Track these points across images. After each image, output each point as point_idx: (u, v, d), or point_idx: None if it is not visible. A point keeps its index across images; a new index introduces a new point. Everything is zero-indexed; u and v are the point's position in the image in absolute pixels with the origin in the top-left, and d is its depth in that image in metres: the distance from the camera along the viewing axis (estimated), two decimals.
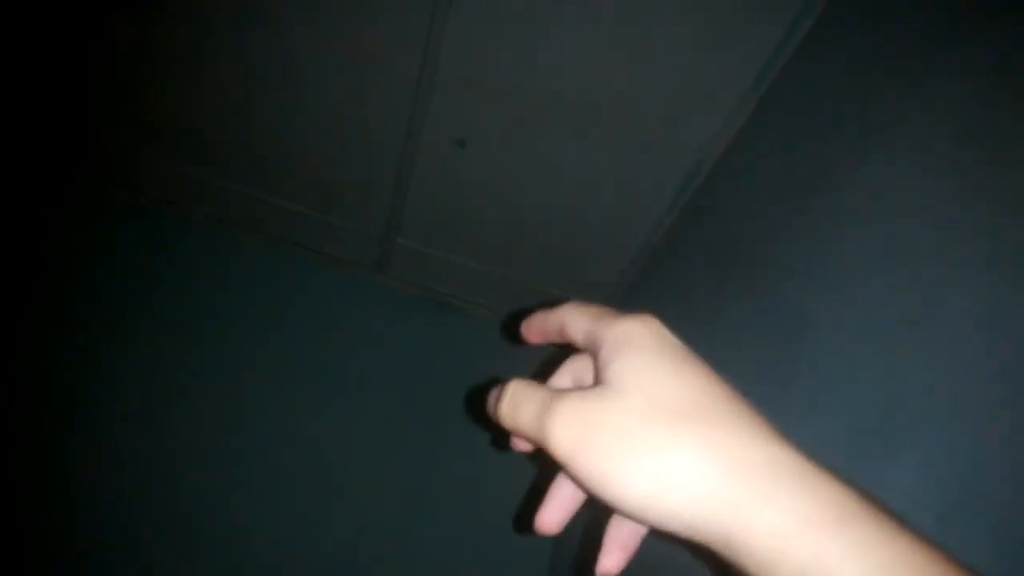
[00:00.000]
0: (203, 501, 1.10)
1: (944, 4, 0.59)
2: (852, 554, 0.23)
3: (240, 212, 1.32)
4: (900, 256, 0.52)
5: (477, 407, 0.30)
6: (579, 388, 0.29)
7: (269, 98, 1.10)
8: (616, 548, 0.32)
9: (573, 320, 0.32)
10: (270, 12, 0.97)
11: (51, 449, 1.09)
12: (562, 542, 1.17)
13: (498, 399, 0.32)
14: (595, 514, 0.32)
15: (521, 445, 0.34)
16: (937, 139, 0.53)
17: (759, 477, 0.25)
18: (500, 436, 0.33)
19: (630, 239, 1.12)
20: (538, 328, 0.35)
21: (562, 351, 0.35)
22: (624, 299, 1.21)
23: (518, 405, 0.30)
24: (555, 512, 0.33)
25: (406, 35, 0.95)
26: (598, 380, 0.29)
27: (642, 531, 0.32)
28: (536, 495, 0.35)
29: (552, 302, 0.35)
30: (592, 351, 0.31)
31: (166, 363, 1.20)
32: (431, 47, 0.95)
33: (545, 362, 0.36)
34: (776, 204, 0.76)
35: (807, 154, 0.73)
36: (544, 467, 0.32)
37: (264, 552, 1.09)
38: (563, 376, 0.34)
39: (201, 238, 1.33)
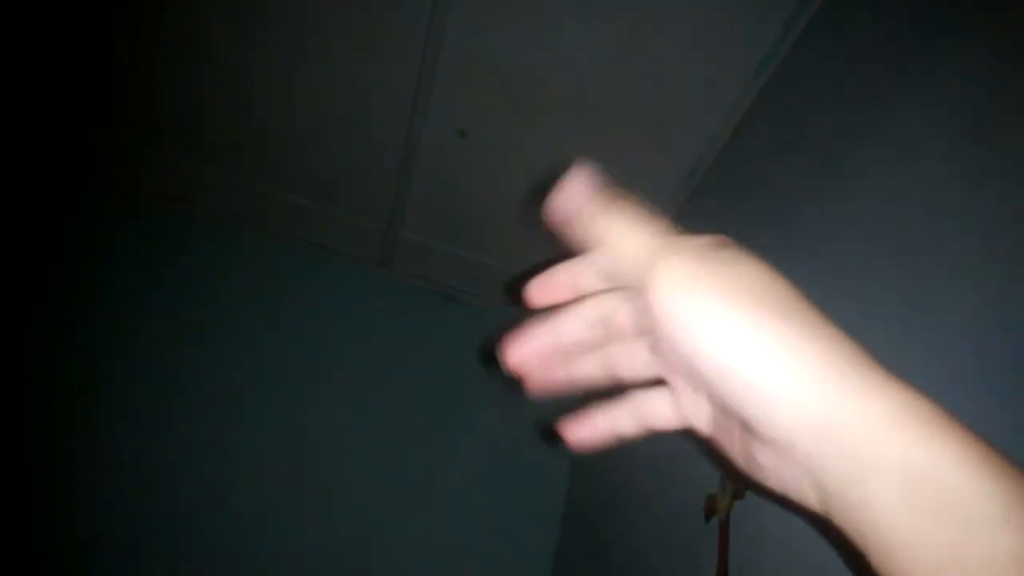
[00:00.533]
0: (207, 494, 1.11)
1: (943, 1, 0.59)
2: (941, 454, 0.23)
3: (242, 207, 1.31)
4: (899, 250, 0.52)
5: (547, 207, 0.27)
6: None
7: (270, 93, 1.10)
8: (595, 426, 0.32)
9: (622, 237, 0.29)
10: (271, 7, 0.97)
11: (54, 445, 1.09)
12: (564, 540, 1.17)
13: (592, 211, 0.30)
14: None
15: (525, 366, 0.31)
16: (936, 134, 0.53)
17: (851, 379, 0.24)
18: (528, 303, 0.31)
19: None
20: (565, 282, 0.32)
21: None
22: None
23: (631, 228, 0.28)
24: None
25: (407, 28, 0.94)
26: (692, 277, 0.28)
27: (634, 428, 0.31)
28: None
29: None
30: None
31: (169, 358, 1.20)
32: (432, 40, 0.94)
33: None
34: (775, 199, 0.76)
35: (806, 150, 0.73)
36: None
37: (268, 543, 1.10)
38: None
39: (203, 233, 1.32)
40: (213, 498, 1.11)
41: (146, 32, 1.06)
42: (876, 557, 0.24)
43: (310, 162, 1.21)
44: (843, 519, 0.24)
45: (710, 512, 0.71)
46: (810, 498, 0.25)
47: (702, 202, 1.01)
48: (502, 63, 0.96)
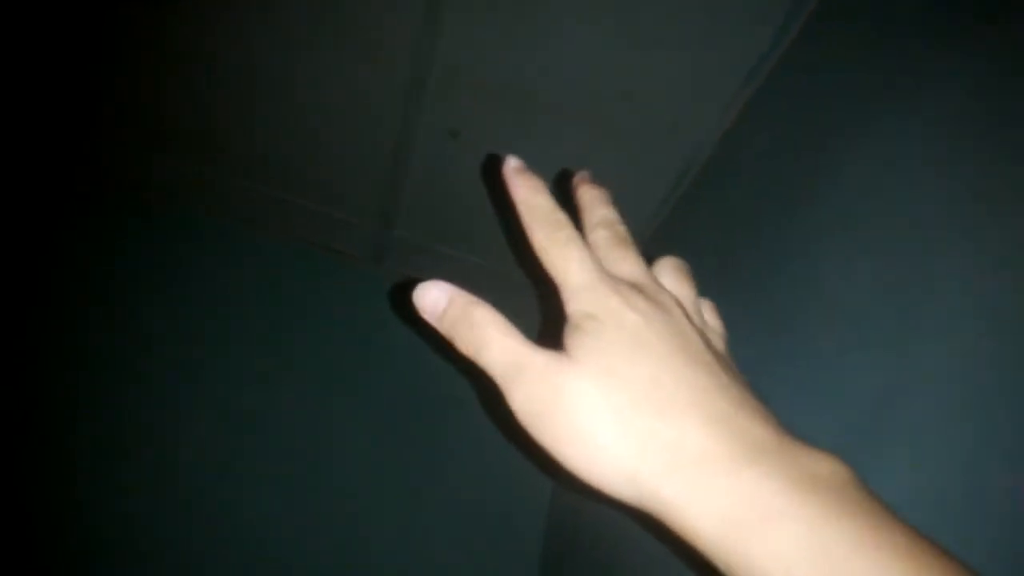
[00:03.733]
0: (206, 497, 1.11)
1: (944, 3, 0.59)
2: (770, 555, 0.22)
3: (234, 206, 1.31)
4: (894, 254, 0.52)
5: (409, 305, 0.38)
6: (544, 350, 0.30)
7: (265, 93, 1.10)
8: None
9: (549, 254, 0.32)
10: (268, 8, 0.97)
11: (55, 449, 1.09)
12: (552, 541, 1.17)
13: (451, 317, 0.33)
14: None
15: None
16: (933, 138, 0.53)
17: (688, 472, 0.25)
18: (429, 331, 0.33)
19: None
20: (531, 206, 0.35)
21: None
22: None
23: (485, 345, 0.31)
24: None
25: (399, 23, 0.94)
26: (562, 342, 0.30)
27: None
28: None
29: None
30: (561, 300, 0.31)
31: (166, 360, 1.20)
32: (425, 36, 0.94)
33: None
34: (768, 202, 0.76)
35: (800, 152, 0.73)
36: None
37: (269, 545, 1.10)
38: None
39: (197, 233, 1.32)
40: (207, 498, 1.11)
41: (147, 35, 1.05)
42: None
43: (304, 161, 1.21)
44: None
45: None
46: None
47: (693, 204, 1.01)
48: (495, 64, 0.96)
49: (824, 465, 0.26)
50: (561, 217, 0.35)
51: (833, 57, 0.74)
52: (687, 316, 0.32)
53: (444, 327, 0.33)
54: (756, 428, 0.26)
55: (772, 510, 0.23)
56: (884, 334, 0.49)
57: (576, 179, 0.41)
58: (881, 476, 0.43)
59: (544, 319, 1.17)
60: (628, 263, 0.35)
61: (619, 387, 0.27)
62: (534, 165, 1.11)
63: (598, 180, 0.41)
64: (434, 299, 0.34)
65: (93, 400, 1.13)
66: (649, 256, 0.41)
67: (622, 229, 0.39)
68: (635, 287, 0.31)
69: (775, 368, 0.59)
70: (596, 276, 0.31)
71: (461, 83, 0.99)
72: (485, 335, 0.31)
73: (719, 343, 0.36)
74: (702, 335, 0.31)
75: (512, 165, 0.37)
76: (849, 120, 0.65)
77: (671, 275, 0.38)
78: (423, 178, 1.17)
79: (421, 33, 0.94)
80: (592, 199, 0.39)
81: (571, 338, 0.29)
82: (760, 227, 0.76)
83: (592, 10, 0.87)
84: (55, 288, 1.21)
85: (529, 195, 0.35)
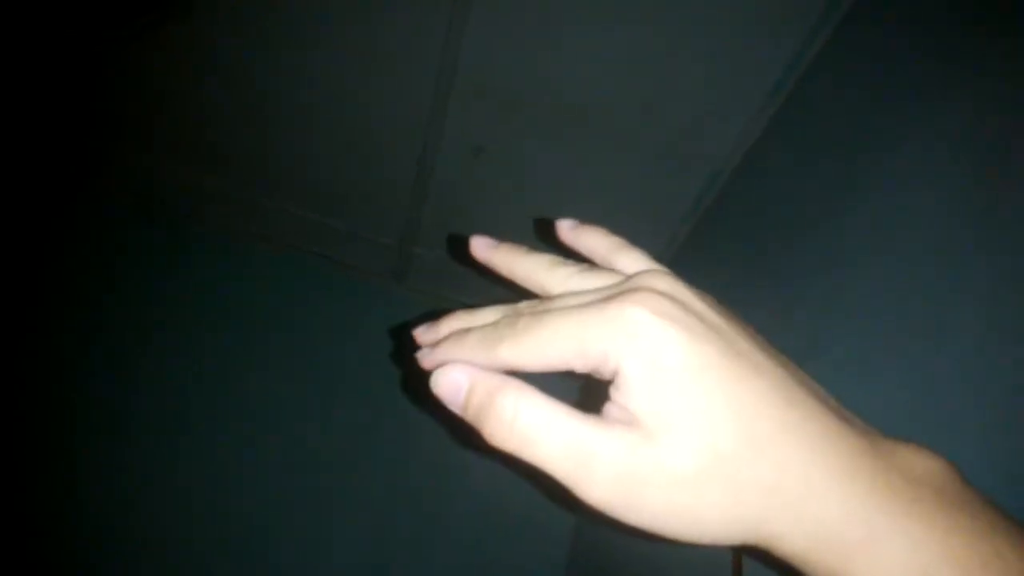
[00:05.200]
0: (216, 511, 1.11)
1: (966, 19, 0.59)
2: None
3: (256, 221, 1.33)
4: (915, 273, 0.51)
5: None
6: (610, 423, 0.25)
7: (285, 107, 1.12)
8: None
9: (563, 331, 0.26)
10: (287, 23, 0.99)
11: (56, 458, 1.10)
12: (579, 549, 1.16)
13: (479, 403, 0.26)
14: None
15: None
16: (957, 155, 0.52)
17: (790, 502, 0.23)
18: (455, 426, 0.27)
19: (645, 249, 1.11)
20: (505, 262, 0.31)
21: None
22: None
23: (535, 439, 0.25)
24: None
25: (423, 42, 0.95)
26: (625, 407, 0.25)
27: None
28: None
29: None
30: (598, 357, 0.25)
31: (180, 373, 1.21)
32: (448, 54, 0.95)
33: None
34: (791, 218, 0.76)
35: (823, 168, 0.73)
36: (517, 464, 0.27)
37: (276, 558, 1.10)
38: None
39: (217, 248, 1.34)
40: (217, 511, 1.11)
41: (162, 47, 1.07)
42: None
43: (326, 177, 1.22)
44: None
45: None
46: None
47: (717, 220, 1.01)
48: (518, 80, 0.96)
49: (920, 463, 0.24)
50: (553, 259, 0.32)
51: (858, 71, 0.74)
52: (723, 311, 0.29)
53: (470, 418, 0.27)
54: (847, 436, 0.25)
55: (876, 530, 0.22)
56: (911, 347, 0.49)
57: (563, 227, 0.38)
58: None
59: None
60: (639, 262, 0.33)
61: (707, 441, 0.24)
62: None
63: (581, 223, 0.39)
64: (454, 385, 0.28)
65: (99, 409, 1.14)
66: (672, 267, 0.40)
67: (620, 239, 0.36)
68: (660, 295, 0.26)
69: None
70: (654, 297, 0.26)
71: (484, 99, 1.00)
72: (527, 429, 0.25)
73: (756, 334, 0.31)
74: (749, 332, 0.28)
75: (480, 244, 0.34)
76: (875, 133, 0.65)
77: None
78: (445, 194, 1.17)
79: (444, 50, 0.95)
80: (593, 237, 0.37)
81: (627, 397, 0.25)
82: (783, 244, 0.75)
83: (615, 25, 0.88)
84: (64, 302, 1.23)
85: (513, 263, 0.33)
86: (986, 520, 0.23)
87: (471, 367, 0.27)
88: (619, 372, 0.25)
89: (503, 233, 1.18)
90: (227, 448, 1.16)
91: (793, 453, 0.24)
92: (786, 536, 0.24)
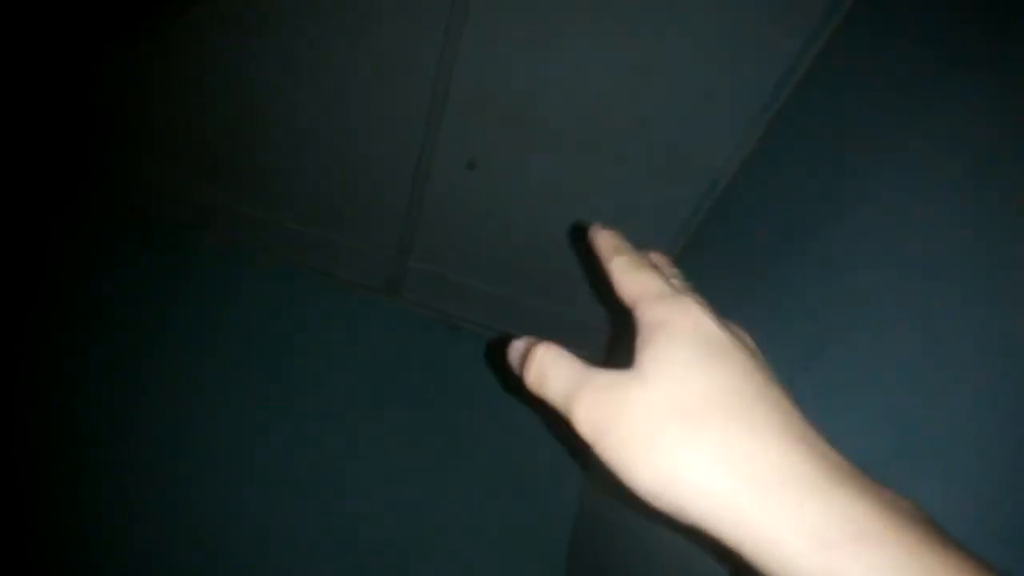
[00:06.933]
0: (211, 521, 1.10)
1: (964, 25, 0.59)
2: None
3: (250, 234, 1.33)
4: (918, 278, 0.51)
5: (499, 359, 0.40)
6: (611, 367, 0.29)
7: (280, 120, 1.12)
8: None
9: (623, 279, 0.32)
10: (281, 35, 0.99)
11: (56, 463, 1.09)
12: (577, 556, 1.15)
13: (525, 360, 0.32)
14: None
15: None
16: (955, 160, 0.52)
17: (774, 488, 0.23)
18: (515, 383, 0.33)
19: None
20: (602, 253, 0.35)
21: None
22: None
23: (546, 375, 0.30)
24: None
25: (417, 56, 0.96)
26: (631, 360, 0.29)
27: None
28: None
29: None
30: (632, 320, 0.31)
31: (176, 386, 1.20)
32: (443, 69, 0.96)
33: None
34: (790, 226, 0.76)
35: (822, 175, 0.73)
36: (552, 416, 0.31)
37: (271, 566, 1.09)
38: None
39: (211, 260, 1.34)
40: (212, 521, 1.10)
41: (160, 57, 1.08)
42: None
43: (320, 190, 1.22)
44: None
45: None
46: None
47: (713, 232, 1.01)
48: (512, 95, 0.97)
49: (902, 499, 0.25)
50: (639, 255, 0.35)
51: (854, 79, 0.74)
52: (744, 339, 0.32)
53: (521, 373, 0.32)
54: (833, 453, 0.26)
55: (869, 532, 0.22)
56: (909, 356, 0.49)
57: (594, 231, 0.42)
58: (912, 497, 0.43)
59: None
60: (685, 286, 0.36)
61: (692, 395, 0.26)
62: (555, 191, 1.12)
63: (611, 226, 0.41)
64: (514, 349, 0.33)
65: (100, 423, 1.14)
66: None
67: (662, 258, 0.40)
68: (704, 303, 0.31)
69: (802, 390, 0.58)
70: (672, 289, 0.31)
71: (480, 112, 1.00)
72: (544, 367, 0.30)
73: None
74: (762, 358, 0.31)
75: (598, 228, 0.38)
76: (872, 141, 0.65)
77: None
78: (440, 208, 1.17)
79: (440, 63, 0.95)
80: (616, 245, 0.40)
81: (641, 350, 0.28)
82: (782, 252, 0.75)
83: (609, 39, 0.88)
84: (64, 313, 1.23)
85: (609, 240, 0.36)
86: (967, 555, 0.23)
87: (528, 337, 0.33)
88: (658, 329, 0.29)
89: (498, 245, 1.17)
90: (222, 456, 1.15)
91: (785, 441, 0.25)
92: (764, 522, 0.23)
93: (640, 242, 0.40)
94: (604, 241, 0.35)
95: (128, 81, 1.13)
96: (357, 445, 1.22)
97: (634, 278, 0.32)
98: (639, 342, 0.29)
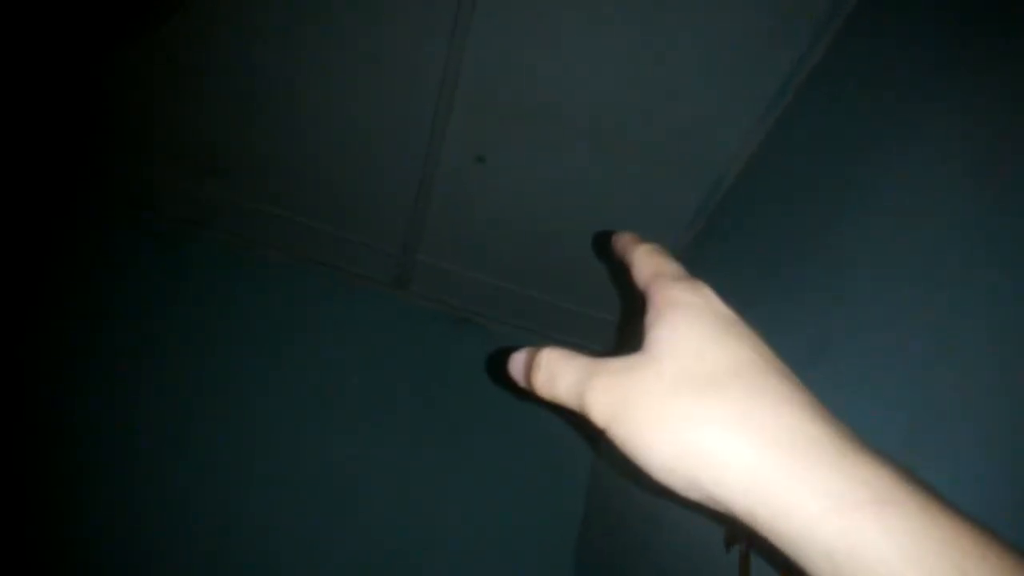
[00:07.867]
0: (216, 519, 1.11)
1: (964, 25, 0.59)
2: (887, 539, 0.21)
3: (259, 229, 1.33)
4: (924, 274, 0.52)
5: (502, 375, 0.35)
6: (620, 354, 0.29)
7: (289, 116, 1.12)
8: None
9: (640, 262, 0.33)
10: (291, 31, 0.99)
11: (59, 468, 1.10)
12: (583, 556, 1.16)
13: (530, 368, 0.31)
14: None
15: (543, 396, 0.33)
16: (959, 156, 0.53)
17: (791, 453, 0.24)
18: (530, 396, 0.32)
19: None
20: (622, 246, 0.35)
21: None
22: None
23: (555, 374, 0.30)
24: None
25: (426, 52, 0.96)
26: (641, 342, 0.29)
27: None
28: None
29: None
30: (645, 302, 0.31)
31: (183, 382, 1.21)
32: (451, 63, 0.96)
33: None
34: (797, 221, 0.76)
35: (828, 170, 0.73)
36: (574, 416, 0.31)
37: (278, 564, 1.10)
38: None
39: (220, 255, 1.35)
40: (217, 519, 1.11)
41: (162, 55, 1.08)
42: None
43: (329, 185, 1.22)
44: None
45: (731, 541, 0.69)
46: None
47: (721, 225, 1.01)
48: (521, 90, 0.97)
49: (907, 468, 0.25)
50: (658, 245, 0.36)
51: (859, 77, 0.75)
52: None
53: (528, 382, 0.32)
54: (842, 423, 0.26)
55: (887, 494, 0.22)
56: (915, 351, 0.49)
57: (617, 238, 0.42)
58: None
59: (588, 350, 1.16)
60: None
61: (705, 367, 0.26)
62: (562, 187, 1.12)
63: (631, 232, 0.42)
64: (515, 361, 0.33)
65: (103, 422, 1.14)
66: None
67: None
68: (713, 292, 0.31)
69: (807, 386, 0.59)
70: (686, 272, 0.32)
71: (487, 108, 1.01)
72: (552, 368, 0.30)
73: None
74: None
75: (626, 237, 0.39)
76: (878, 138, 0.66)
77: None
78: (448, 202, 1.18)
79: (447, 59, 0.96)
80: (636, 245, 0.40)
81: (653, 328, 0.29)
82: (789, 247, 0.76)
83: (618, 36, 0.88)
84: (67, 311, 1.23)
85: (629, 236, 0.37)
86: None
87: (529, 348, 0.33)
88: (671, 306, 0.29)
89: (505, 239, 1.17)
90: (229, 454, 1.16)
91: (800, 410, 0.25)
92: (781, 487, 0.24)
93: (645, 238, 0.41)
94: (625, 237, 0.36)
95: (131, 81, 1.13)
96: (364, 441, 1.23)
97: (651, 260, 0.33)
98: (650, 320, 0.29)
